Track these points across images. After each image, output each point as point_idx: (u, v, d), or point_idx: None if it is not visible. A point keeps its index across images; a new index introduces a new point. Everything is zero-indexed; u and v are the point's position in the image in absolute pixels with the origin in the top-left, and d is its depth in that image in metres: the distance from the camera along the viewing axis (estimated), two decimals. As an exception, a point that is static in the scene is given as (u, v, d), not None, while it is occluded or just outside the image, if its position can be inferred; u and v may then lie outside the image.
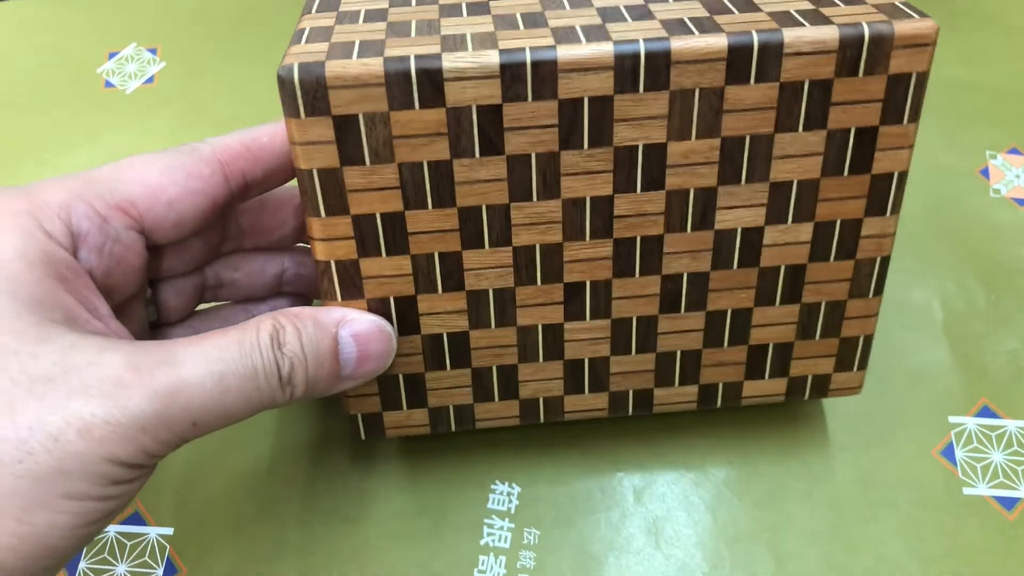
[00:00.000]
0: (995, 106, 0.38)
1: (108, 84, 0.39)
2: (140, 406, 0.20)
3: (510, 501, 0.30)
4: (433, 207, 0.23)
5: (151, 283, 0.28)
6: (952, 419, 0.31)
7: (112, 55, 0.40)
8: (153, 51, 0.40)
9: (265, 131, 0.25)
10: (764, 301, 0.25)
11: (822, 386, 0.27)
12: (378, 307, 0.24)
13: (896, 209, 0.24)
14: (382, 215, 0.23)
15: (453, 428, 0.27)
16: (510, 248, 0.24)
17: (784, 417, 0.31)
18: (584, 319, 0.25)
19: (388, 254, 0.24)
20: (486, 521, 0.29)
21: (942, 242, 0.34)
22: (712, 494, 0.30)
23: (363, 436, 0.27)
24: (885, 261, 0.25)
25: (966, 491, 0.30)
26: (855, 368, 0.27)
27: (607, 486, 0.30)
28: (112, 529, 0.29)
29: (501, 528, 0.29)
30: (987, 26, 0.40)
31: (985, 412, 0.31)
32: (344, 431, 0.31)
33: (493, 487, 0.30)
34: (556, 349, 0.26)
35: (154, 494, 0.30)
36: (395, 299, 0.24)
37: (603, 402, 0.27)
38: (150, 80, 0.39)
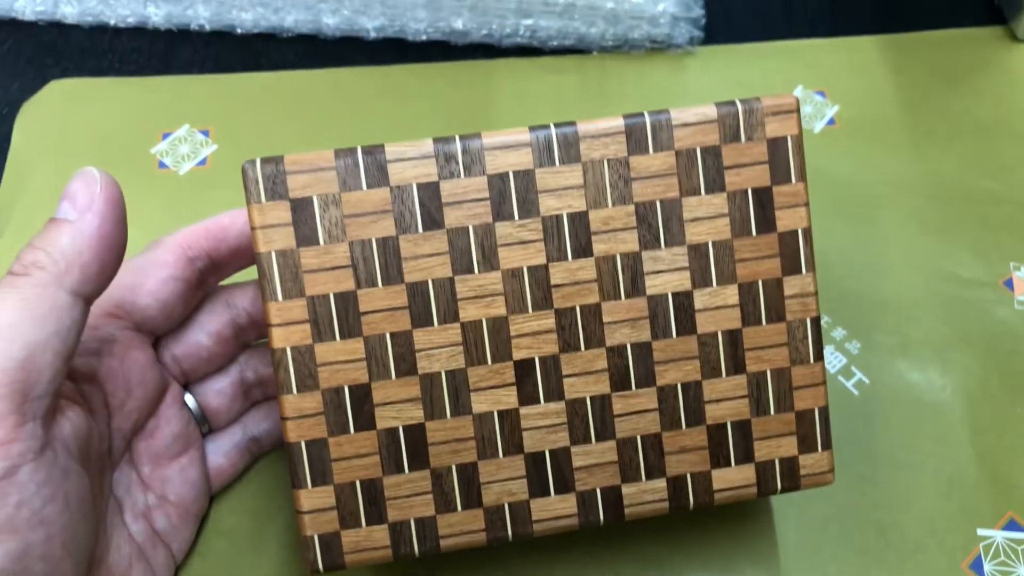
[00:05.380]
0: (1021, 218, 0.38)
1: (162, 165, 0.39)
2: None
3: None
4: (383, 284, 0.25)
5: (187, 388, 0.30)
6: (980, 531, 0.31)
7: (166, 136, 0.40)
8: (206, 133, 0.40)
9: (227, 214, 0.28)
10: (710, 372, 0.26)
11: (792, 473, 0.27)
12: (333, 399, 0.25)
13: (811, 267, 0.26)
14: (335, 295, 0.25)
15: (416, 550, 0.26)
16: (458, 324, 0.25)
17: (814, 525, 0.31)
18: (539, 402, 0.26)
19: (342, 337, 0.25)
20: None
21: (968, 353, 0.35)
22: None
23: (320, 567, 0.25)
24: (816, 323, 0.26)
25: None
26: (819, 447, 0.27)
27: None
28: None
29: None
30: (1014, 139, 0.40)
31: (1012, 526, 0.31)
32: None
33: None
34: (515, 440, 0.26)
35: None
36: (350, 388, 0.25)
37: (571, 506, 0.26)
38: (203, 162, 0.39)
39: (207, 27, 0.43)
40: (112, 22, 0.43)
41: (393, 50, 0.43)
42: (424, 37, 0.43)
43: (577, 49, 0.43)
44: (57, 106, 0.41)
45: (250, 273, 0.31)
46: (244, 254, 0.29)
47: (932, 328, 0.35)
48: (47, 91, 0.41)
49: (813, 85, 0.42)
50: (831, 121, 0.41)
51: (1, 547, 0.22)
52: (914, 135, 0.41)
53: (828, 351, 0.35)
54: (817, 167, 0.39)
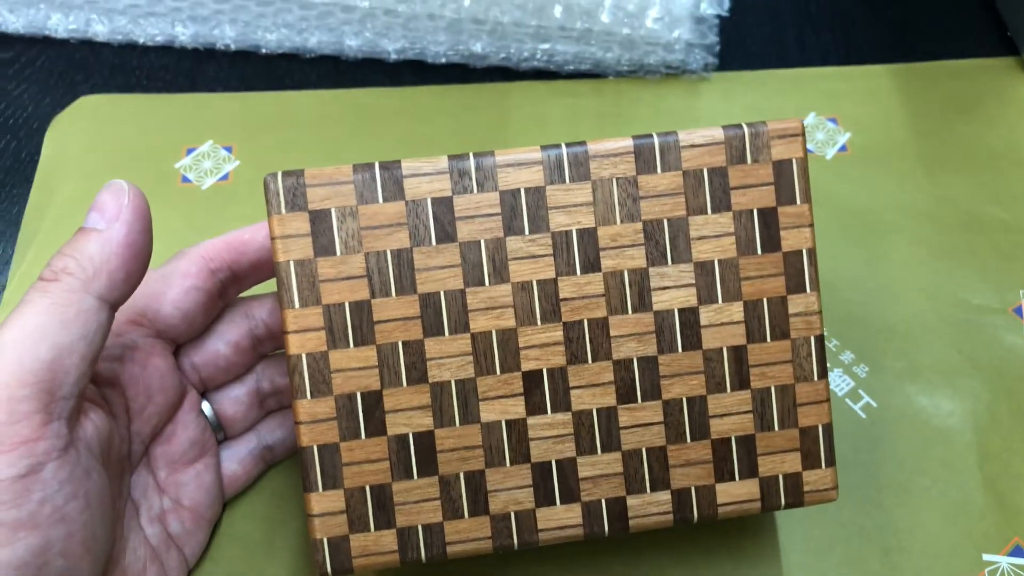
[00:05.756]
0: (1031, 246, 0.38)
1: (185, 179, 0.40)
2: None
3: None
4: (396, 295, 0.26)
5: (205, 396, 0.31)
6: (986, 557, 0.31)
7: (190, 151, 0.41)
8: (229, 149, 0.41)
9: (248, 229, 0.29)
10: (715, 387, 0.27)
11: (796, 489, 0.27)
12: (345, 404, 0.26)
13: (815, 287, 0.27)
14: (350, 304, 0.25)
15: (423, 556, 0.26)
16: (468, 335, 0.26)
17: (819, 547, 0.31)
18: (546, 413, 0.26)
19: (355, 345, 0.26)
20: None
21: (977, 379, 0.35)
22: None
23: (329, 570, 0.26)
24: (820, 341, 0.27)
25: None
26: (823, 464, 0.27)
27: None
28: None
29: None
30: (1025, 168, 0.40)
31: (1018, 552, 0.31)
32: None
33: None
34: (522, 449, 0.26)
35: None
36: (362, 394, 0.26)
37: (576, 516, 0.26)
38: (225, 177, 0.40)
39: (232, 47, 0.44)
40: (141, 40, 0.45)
41: (413, 72, 0.44)
42: (443, 60, 0.44)
43: (593, 74, 0.44)
44: (86, 121, 0.42)
45: (269, 286, 0.32)
46: (263, 267, 0.30)
47: (941, 353, 0.36)
48: (77, 106, 0.43)
49: (826, 112, 0.43)
50: (843, 147, 0.42)
51: (23, 541, 0.22)
52: (925, 162, 0.41)
53: (836, 374, 0.35)
54: (828, 192, 0.39)
